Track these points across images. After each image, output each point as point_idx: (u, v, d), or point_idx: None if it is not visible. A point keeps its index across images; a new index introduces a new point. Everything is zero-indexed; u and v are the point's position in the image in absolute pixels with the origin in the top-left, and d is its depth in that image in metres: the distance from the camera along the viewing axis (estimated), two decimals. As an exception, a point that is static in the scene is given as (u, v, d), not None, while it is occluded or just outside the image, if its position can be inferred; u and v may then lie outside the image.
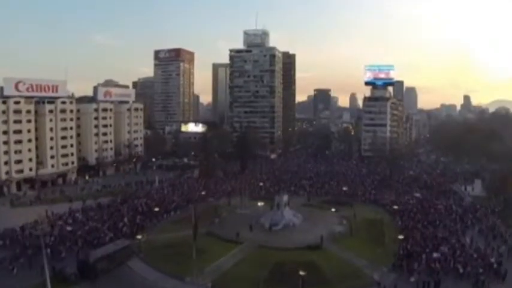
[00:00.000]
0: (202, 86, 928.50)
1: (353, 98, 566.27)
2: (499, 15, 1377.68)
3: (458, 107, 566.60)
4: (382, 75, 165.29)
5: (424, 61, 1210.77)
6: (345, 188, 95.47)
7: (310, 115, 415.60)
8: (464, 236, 63.78)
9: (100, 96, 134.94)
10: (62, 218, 74.14)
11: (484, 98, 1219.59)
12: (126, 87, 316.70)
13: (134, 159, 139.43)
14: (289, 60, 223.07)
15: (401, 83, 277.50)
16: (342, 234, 64.84)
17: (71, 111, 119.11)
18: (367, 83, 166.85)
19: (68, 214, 76.53)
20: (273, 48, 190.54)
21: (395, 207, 76.76)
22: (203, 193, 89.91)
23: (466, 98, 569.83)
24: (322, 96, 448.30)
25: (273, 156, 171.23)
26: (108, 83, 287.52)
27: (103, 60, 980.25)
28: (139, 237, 59.38)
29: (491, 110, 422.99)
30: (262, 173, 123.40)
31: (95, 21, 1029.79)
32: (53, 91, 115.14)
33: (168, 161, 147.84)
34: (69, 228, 66.89)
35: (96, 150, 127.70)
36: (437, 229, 66.13)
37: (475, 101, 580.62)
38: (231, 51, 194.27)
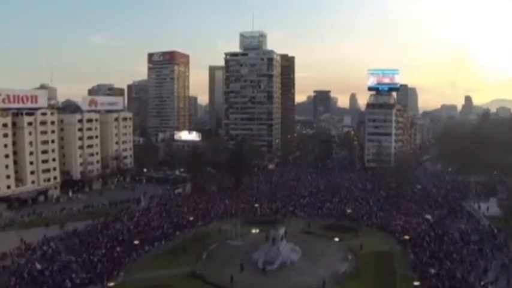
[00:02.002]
0: (202, 86, 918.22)
1: (353, 98, 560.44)
2: (497, 14, 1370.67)
3: (459, 107, 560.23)
4: (387, 80, 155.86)
5: (423, 60, 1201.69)
6: (349, 211, 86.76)
7: (309, 116, 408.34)
8: (486, 274, 55.47)
9: (85, 106, 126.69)
10: (33, 249, 66.51)
11: (484, 97, 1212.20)
12: (122, 90, 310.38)
13: (118, 176, 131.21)
14: (288, 63, 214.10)
15: (405, 86, 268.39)
16: (347, 274, 56.29)
17: (52, 122, 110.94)
18: (370, 89, 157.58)
19: (41, 244, 68.81)
20: (271, 52, 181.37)
21: (406, 237, 68.09)
22: (191, 219, 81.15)
23: (467, 99, 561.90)
24: (322, 98, 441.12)
25: (271, 166, 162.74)
26: (101, 88, 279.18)
27: (101, 61, 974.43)
28: (111, 284, 50.97)
29: (492, 110, 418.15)
30: (258, 189, 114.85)
31: (93, 22, 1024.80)
32: (32, 102, 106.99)
33: (159, 174, 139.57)
34: (38, 266, 58.54)
35: (81, 164, 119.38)
36: (454, 265, 57.74)
37: (474, 101, 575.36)
38: (226, 54, 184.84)
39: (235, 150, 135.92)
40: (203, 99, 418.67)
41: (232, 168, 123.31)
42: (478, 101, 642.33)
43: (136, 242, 65.72)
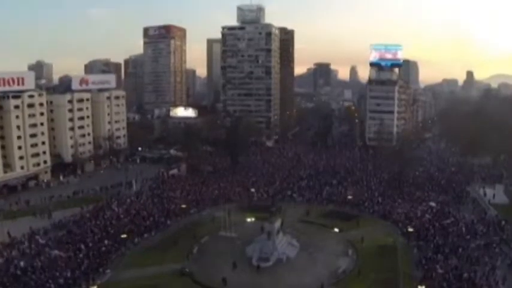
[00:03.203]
0: (200, 59, 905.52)
1: (353, 71, 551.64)
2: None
3: (460, 82, 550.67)
4: (389, 56, 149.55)
5: (424, 33, 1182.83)
6: (349, 196, 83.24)
7: (309, 88, 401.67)
8: (494, 272, 52.01)
9: (75, 86, 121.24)
10: (17, 244, 62.77)
11: (485, 72, 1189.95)
12: (118, 65, 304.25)
13: (111, 157, 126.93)
14: (287, 37, 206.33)
15: (407, 61, 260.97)
16: (347, 272, 52.87)
17: (41, 104, 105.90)
18: (372, 64, 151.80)
19: (27, 237, 65.10)
20: (269, 25, 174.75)
21: (410, 229, 64.58)
22: (184, 206, 77.66)
23: (469, 74, 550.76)
24: (322, 71, 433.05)
25: (269, 143, 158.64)
26: (96, 63, 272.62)
27: (100, 35, 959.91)
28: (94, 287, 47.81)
29: (493, 85, 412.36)
30: (256, 172, 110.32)
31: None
32: (18, 84, 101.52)
33: (154, 153, 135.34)
34: (21, 263, 55.26)
35: (72, 146, 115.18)
36: (460, 261, 54.47)
37: (475, 75, 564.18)
38: (223, 28, 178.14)
39: (232, 128, 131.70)
40: (202, 71, 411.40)
41: (228, 147, 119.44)
42: (479, 75, 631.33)
43: (124, 236, 62.26)
